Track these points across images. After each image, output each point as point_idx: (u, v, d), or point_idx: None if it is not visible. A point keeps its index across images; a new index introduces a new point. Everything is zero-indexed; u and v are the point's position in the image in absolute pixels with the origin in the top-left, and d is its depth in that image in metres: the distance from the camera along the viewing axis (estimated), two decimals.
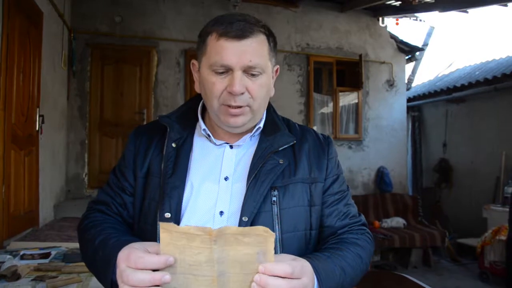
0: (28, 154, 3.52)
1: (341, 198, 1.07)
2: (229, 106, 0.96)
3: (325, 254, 0.92)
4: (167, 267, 0.74)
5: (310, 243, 1.02)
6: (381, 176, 6.73)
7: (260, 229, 0.71)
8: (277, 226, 0.95)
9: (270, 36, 1.00)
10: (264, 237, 0.71)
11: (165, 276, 0.73)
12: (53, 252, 2.41)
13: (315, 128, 6.36)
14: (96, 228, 0.97)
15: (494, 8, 5.93)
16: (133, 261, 0.75)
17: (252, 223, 0.92)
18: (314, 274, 0.82)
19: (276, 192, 0.96)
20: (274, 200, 0.96)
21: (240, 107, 0.96)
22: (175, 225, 0.73)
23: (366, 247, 1.03)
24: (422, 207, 6.69)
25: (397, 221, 6.21)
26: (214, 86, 0.96)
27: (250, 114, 0.99)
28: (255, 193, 0.94)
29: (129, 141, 1.10)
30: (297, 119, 6.22)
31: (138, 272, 0.74)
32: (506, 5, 5.67)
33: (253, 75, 0.95)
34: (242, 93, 0.94)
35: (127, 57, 5.56)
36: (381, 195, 6.62)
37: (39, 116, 3.75)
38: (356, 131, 6.79)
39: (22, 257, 2.27)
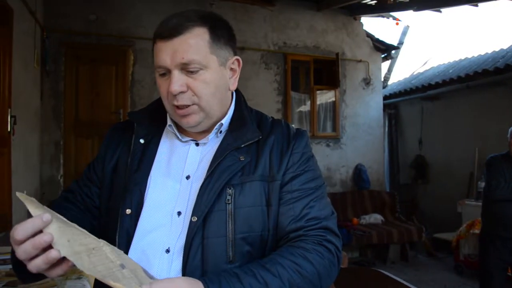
0: None
1: (300, 197, 0.95)
2: (177, 106, 0.94)
3: (249, 272, 0.82)
4: (51, 226, 0.71)
5: (267, 245, 0.94)
6: (358, 173, 6.79)
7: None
8: (230, 226, 0.89)
9: (215, 28, 0.95)
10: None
11: (45, 236, 0.69)
12: None
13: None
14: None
15: (466, 8, 6.05)
16: (13, 237, 0.72)
17: (203, 222, 0.88)
18: None
19: (231, 190, 0.91)
20: (228, 199, 0.90)
21: (186, 106, 0.94)
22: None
23: (317, 262, 0.88)
24: (399, 203, 6.79)
25: (375, 218, 6.30)
26: (161, 89, 0.96)
27: (201, 113, 0.96)
28: (208, 191, 0.90)
29: (105, 137, 1.11)
30: (275, 117, 6.22)
31: (22, 245, 0.71)
32: (476, 5, 5.81)
33: (191, 71, 0.92)
34: (183, 92, 0.92)
35: (103, 56, 5.46)
36: (359, 192, 6.68)
37: (11, 117, 3.64)
38: (334, 129, 6.84)
39: None
